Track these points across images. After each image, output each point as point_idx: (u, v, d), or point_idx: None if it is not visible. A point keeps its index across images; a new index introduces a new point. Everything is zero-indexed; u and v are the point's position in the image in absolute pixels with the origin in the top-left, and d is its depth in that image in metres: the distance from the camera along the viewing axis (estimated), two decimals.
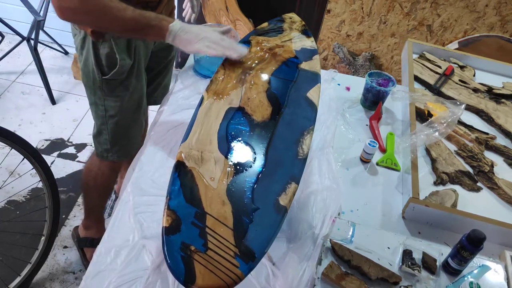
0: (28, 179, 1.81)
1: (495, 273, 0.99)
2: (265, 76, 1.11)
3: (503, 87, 1.62)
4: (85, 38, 1.19)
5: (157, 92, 1.57)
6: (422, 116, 1.39)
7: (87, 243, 1.71)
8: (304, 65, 1.17)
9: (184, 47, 1.08)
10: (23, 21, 2.72)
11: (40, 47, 2.53)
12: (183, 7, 1.52)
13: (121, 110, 1.31)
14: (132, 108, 1.33)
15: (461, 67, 1.69)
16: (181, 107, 1.30)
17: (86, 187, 1.58)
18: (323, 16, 2.45)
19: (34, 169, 1.48)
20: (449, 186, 1.21)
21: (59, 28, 2.78)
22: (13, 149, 1.41)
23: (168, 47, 1.44)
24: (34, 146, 1.48)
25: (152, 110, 1.53)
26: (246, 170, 0.86)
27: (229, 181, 0.84)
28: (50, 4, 1.89)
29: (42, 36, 2.46)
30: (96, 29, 1.16)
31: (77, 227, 1.76)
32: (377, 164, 1.24)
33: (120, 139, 1.38)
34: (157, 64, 1.47)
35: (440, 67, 1.64)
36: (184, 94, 1.35)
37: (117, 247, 0.94)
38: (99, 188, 1.56)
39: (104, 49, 1.19)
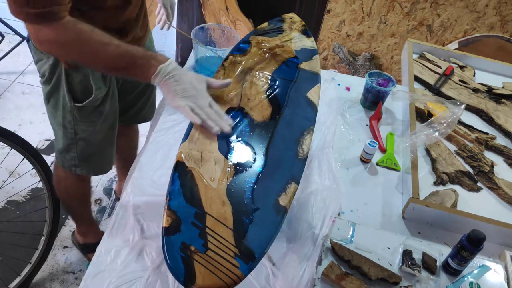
0: (28, 179, 1.81)
1: (495, 273, 0.99)
2: (265, 76, 1.11)
3: (503, 87, 1.62)
4: (56, 64, 1.12)
5: (145, 110, 1.53)
6: (422, 116, 1.39)
7: (89, 249, 1.71)
8: (304, 65, 1.17)
9: (167, 98, 0.97)
10: None
11: None
12: (156, 14, 1.42)
13: (93, 133, 1.25)
14: (105, 129, 1.28)
15: (461, 67, 1.69)
16: None
17: (62, 199, 1.53)
18: (323, 16, 2.45)
19: (34, 169, 1.48)
20: (449, 186, 1.21)
21: None
22: (13, 149, 1.41)
23: None
24: (34, 146, 1.48)
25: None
26: (246, 170, 0.86)
27: (229, 181, 0.84)
28: None
29: None
30: (76, 63, 1.09)
31: (74, 232, 1.76)
32: (377, 164, 1.24)
33: (90, 157, 1.31)
34: (137, 84, 1.41)
35: (440, 67, 1.64)
36: None
37: (117, 247, 0.94)
38: (74, 198, 1.51)
39: (78, 77, 1.12)
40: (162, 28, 1.39)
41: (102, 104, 1.20)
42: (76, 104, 1.16)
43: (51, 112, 1.23)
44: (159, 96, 1.45)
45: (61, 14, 0.88)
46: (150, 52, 0.96)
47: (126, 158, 1.77)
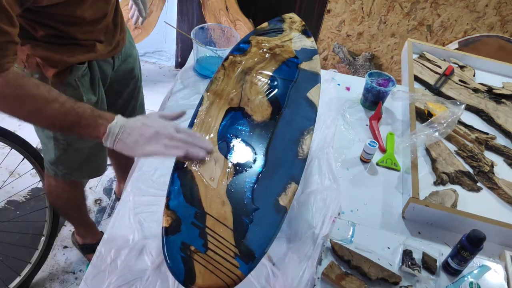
0: (28, 179, 1.81)
1: (495, 273, 0.99)
2: (265, 76, 1.11)
3: (503, 87, 1.62)
4: (41, 79, 1.04)
5: (135, 113, 1.50)
6: (422, 116, 1.39)
7: (88, 249, 1.71)
8: (304, 65, 1.17)
9: (132, 152, 0.83)
10: None
11: None
12: (128, 8, 1.36)
13: (86, 141, 1.22)
14: None
15: (461, 67, 1.69)
16: (181, 107, 1.30)
17: (57, 206, 1.53)
18: (323, 16, 2.45)
19: (34, 169, 1.48)
20: (449, 186, 1.21)
21: None
22: (13, 149, 1.41)
23: (128, 73, 1.35)
24: (34, 146, 1.48)
25: (152, 110, 1.53)
26: (246, 170, 0.86)
27: (229, 181, 0.84)
28: None
29: None
30: (16, 118, 1.00)
31: (74, 232, 1.76)
32: (377, 164, 1.24)
33: (83, 164, 1.30)
34: (124, 87, 1.39)
35: (440, 67, 1.64)
36: (184, 94, 1.35)
37: (117, 247, 0.94)
38: (68, 205, 1.51)
39: (67, 90, 1.08)
40: (135, 23, 1.35)
41: None
42: None
43: (40, 128, 1.19)
44: (151, 97, 1.44)
45: (3, 67, 0.82)
46: (97, 111, 0.87)
47: (126, 161, 1.78)
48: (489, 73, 1.72)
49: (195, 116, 0.97)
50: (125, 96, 1.41)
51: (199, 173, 0.84)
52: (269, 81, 1.09)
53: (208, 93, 1.03)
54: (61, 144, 1.21)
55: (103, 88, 1.24)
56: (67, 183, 1.38)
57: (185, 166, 0.84)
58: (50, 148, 1.23)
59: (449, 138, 1.36)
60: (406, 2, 2.38)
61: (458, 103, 1.36)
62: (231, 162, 0.87)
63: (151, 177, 1.09)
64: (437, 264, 0.98)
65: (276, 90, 1.07)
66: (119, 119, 0.85)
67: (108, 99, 1.30)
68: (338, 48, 2.61)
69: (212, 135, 0.92)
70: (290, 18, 1.36)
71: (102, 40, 1.10)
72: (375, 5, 2.42)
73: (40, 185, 1.57)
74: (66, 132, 0.95)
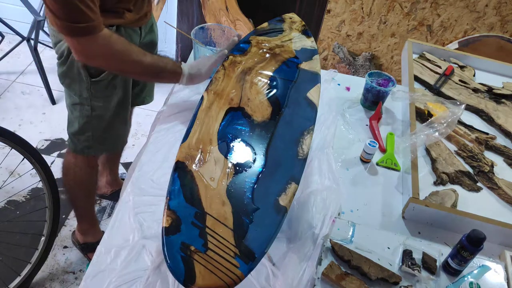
0: (28, 179, 1.81)
1: (495, 273, 0.99)
2: (265, 76, 1.11)
3: (503, 87, 1.62)
4: None
5: (144, 91, 1.56)
6: (422, 116, 1.39)
7: (89, 248, 1.71)
8: (304, 65, 1.17)
9: (199, 81, 1.20)
10: (23, 21, 2.72)
11: (40, 47, 2.53)
12: None
13: (108, 108, 1.30)
14: (118, 104, 1.32)
15: (461, 67, 1.69)
16: (181, 107, 1.30)
17: (69, 188, 1.54)
18: (323, 16, 2.45)
19: (34, 169, 1.48)
20: (449, 186, 1.21)
21: None
22: (13, 149, 1.41)
23: (151, 44, 1.42)
24: (34, 146, 1.48)
25: (153, 110, 1.53)
26: (246, 170, 0.87)
27: (229, 181, 0.84)
28: None
29: (42, 36, 2.45)
30: (115, 72, 1.22)
31: (74, 231, 1.76)
32: (377, 164, 1.24)
33: (104, 135, 1.36)
34: None
35: (440, 67, 1.64)
36: (184, 94, 1.35)
37: (117, 247, 0.94)
38: (81, 186, 1.53)
39: None
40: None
41: (115, 77, 1.26)
42: (93, 79, 1.22)
43: (67, 92, 1.30)
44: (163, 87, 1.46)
45: (100, 27, 1.00)
46: (172, 59, 1.17)
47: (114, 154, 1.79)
48: (489, 73, 1.72)
49: (195, 116, 0.97)
50: None
51: (199, 173, 0.84)
52: (269, 81, 1.09)
53: (208, 93, 1.03)
54: (86, 110, 1.29)
55: None
56: (85, 162, 1.43)
57: (185, 165, 0.84)
58: (75, 117, 1.31)
59: (449, 138, 1.36)
60: (406, 2, 2.38)
61: (458, 103, 1.36)
62: (231, 162, 0.87)
63: (151, 177, 1.09)
64: (437, 264, 0.98)
65: (276, 90, 1.07)
66: (183, 64, 1.18)
67: None
68: (338, 48, 2.61)
69: (212, 136, 0.92)
70: (290, 18, 1.36)
71: (131, 9, 1.19)
72: (375, 5, 2.42)
73: (40, 185, 1.57)
74: (154, 78, 1.24)
